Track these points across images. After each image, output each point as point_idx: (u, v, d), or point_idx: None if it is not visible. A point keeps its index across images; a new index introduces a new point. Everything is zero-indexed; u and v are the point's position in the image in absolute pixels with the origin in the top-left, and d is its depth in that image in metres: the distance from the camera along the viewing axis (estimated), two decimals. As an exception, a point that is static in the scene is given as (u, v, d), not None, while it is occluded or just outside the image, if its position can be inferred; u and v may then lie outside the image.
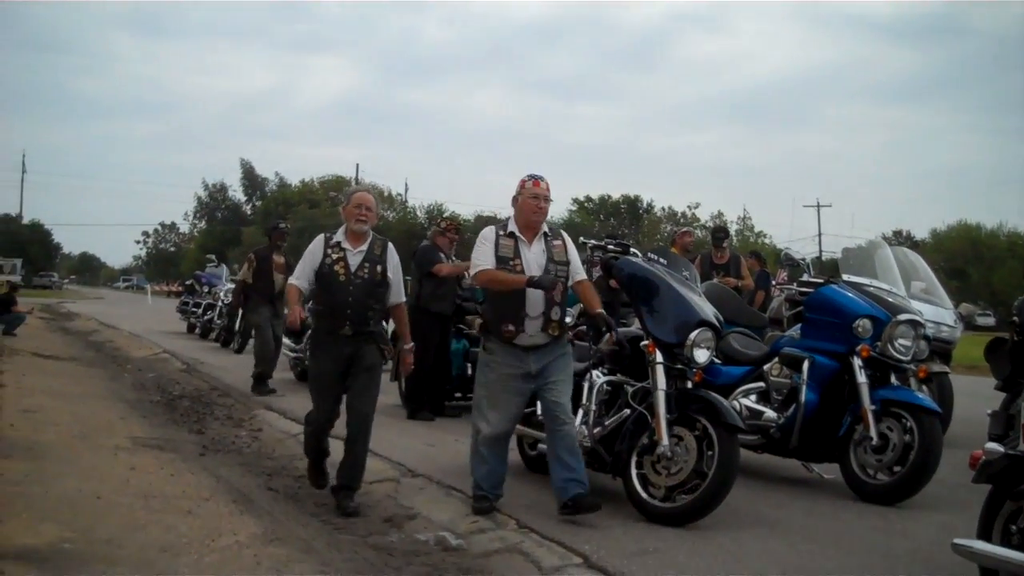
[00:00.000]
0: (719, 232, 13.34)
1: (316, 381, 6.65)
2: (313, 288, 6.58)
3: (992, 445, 4.48)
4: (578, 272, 6.27)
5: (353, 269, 6.44)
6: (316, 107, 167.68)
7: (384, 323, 12.44)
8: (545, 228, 6.23)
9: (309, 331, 13.04)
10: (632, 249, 6.92)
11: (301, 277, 6.58)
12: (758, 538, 5.65)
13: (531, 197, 6.15)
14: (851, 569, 5.13)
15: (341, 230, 6.59)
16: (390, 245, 6.70)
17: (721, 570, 4.96)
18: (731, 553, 5.28)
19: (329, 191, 78.75)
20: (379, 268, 6.51)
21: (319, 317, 6.61)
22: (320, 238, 6.64)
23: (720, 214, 72.41)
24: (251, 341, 18.30)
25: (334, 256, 6.48)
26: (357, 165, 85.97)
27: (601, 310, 6.18)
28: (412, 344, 6.92)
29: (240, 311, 14.14)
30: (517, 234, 6.15)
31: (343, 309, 6.38)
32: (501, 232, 6.19)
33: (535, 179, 6.19)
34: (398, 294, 6.69)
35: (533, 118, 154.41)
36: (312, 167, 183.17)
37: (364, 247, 6.51)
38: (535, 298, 6.04)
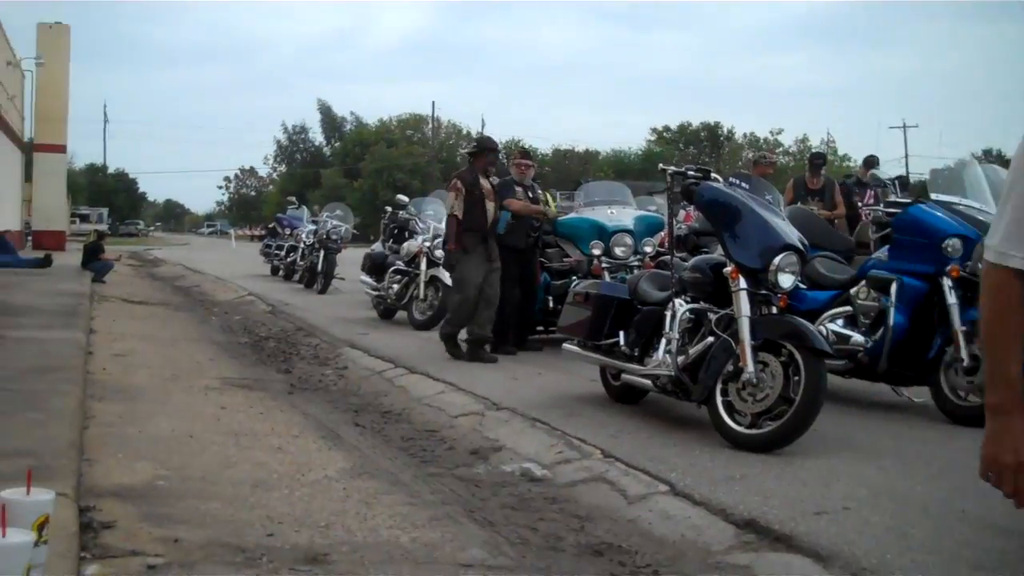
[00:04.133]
0: (817, 158, 12.94)
1: None
2: None
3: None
4: None
5: None
6: (388, 46, 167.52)
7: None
8: None
9: (395, 269, 13.12)
10: (712, 174, 6.80)
11: None
12: (846, 462, 5.57)
13: None
14: (942, 490, 5.04)
15: None
16: None
17: (809, 494, 4.90)
18: (819, 477, 5.22)
19: (406, 130, 79.06)
20: None
21: None
22: None
23: (805, 138, 71.39)
24: (335, 283, 18.64)
25: None
26: (433, 103, 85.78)
27: None
28: None
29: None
30: None
31: None
32: None
33: None
34: None
35: (606, 49, 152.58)
36: (388, 107, 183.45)
37: None
38: None
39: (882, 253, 7.41)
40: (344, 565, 4.06)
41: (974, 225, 7.01)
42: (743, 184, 6.57)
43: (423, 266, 12.58)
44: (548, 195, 12.59)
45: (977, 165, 8.42)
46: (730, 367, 6.00)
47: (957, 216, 7.13)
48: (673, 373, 6.36)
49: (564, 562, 4.25)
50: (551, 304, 10.55)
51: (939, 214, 7.15)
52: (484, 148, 10.28)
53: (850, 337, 7.07)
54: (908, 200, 7.47)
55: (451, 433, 6.76)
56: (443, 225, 13.02)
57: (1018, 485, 2.49)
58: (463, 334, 9.81)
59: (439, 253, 12.58)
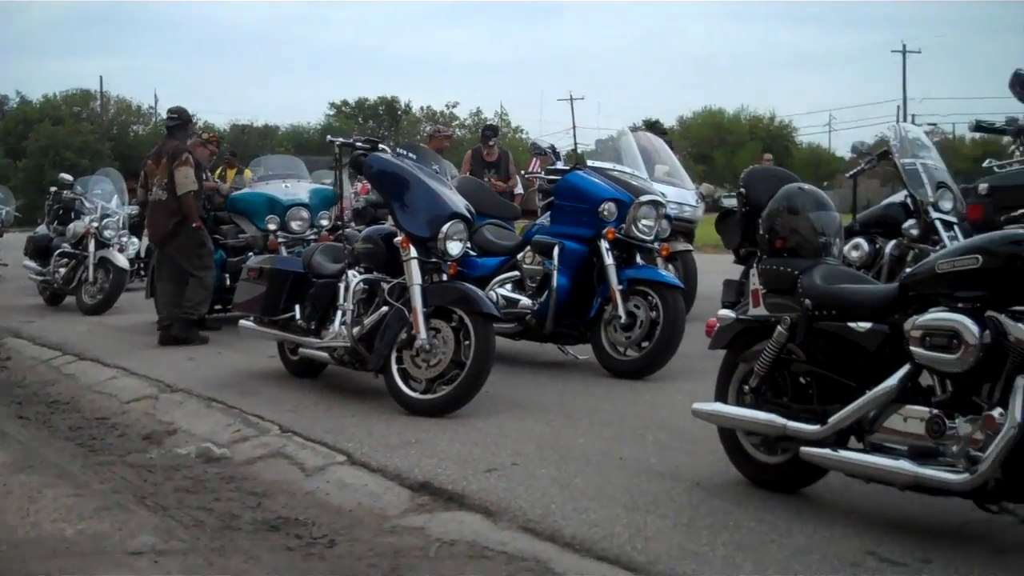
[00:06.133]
0: (488, 130, 13.16)
1: None
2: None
3: (724, 312, 4.75)
4: None
5: None
6: (54, 17, 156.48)
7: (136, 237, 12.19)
8: None
9: (61, 252, 12.44)
10: (381, 145, 6.86)
11: None
12: (516, 420, 5.83)
13: None
14: (604, 439, 5.38)
15: None
16: None
17: (480, 453, 5.10)
18: (490, 436, 5.44)
19: (73, 107, 74.70)
20: None
21: None
22: None
23: (479, 111, 73.07)
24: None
25: None
26: (101, 78, 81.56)
27: None
28: None
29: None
30: None
31: None
32: None
33: None
34: None
35: (284, 21, 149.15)
36: (54, 82, 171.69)
37: None
38: None
39: (546, 219, 7.75)
40: (2, 564, 3.87)
41: (627, 189, 7.46)
42: (410, 155, 6.68)
43: (91, 248, 12.00)
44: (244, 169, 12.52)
45: (630, 134, 8.97)
46: (404, 335, 6.13)
47: (612, 181, 7.55)
48: (349, 344, 6.42)
49: (240, 540, 4.23)
50: (228, 282, 10.32)
51: (595, 180, 7.54)
52: (187, 120, 9.96)
53: (518, 300, 7.34)
54: (567, 168, 7.83)
55: (123, 419, 6.54)
56: (112, 204, 12.55)
57: None
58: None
59: (108, 233, 12.10)
